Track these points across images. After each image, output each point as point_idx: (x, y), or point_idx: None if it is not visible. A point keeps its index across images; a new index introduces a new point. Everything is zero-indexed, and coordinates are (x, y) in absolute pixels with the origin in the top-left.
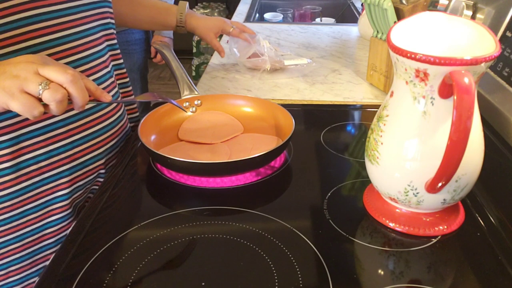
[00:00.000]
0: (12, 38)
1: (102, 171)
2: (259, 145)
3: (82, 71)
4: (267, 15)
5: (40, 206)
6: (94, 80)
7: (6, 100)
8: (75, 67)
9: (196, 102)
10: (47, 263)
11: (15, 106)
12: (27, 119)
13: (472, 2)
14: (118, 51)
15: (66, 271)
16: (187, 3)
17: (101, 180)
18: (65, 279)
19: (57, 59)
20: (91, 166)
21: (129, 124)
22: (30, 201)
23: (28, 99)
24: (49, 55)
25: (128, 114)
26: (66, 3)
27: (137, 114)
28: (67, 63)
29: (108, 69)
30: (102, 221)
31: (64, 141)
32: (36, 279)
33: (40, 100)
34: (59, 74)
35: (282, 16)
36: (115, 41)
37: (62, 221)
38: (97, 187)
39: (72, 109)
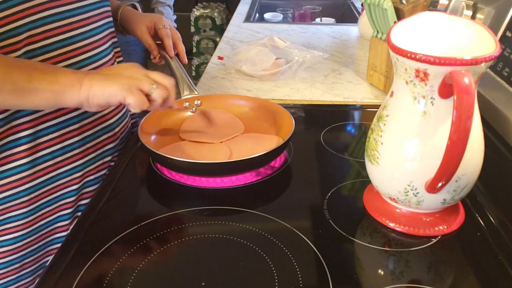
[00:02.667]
0: (29, 38)
1: (100, 172)
2: (259, 145)
3: (91, 70)
4: (267, 15)
5: (54, 200)
6: None
7: (126, 94)
8: (85, 66)
9: (196, 102)
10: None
11: (132, 100)
12: (44, 115)
13: (472, 2)
14: (119, 48)
15: (66, 271)
16: (135, 3)
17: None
18: (65, 279)
19: (68, 58)
20: (102, 160)
21: (131, 122)
22: (45, 195)
23: (142, 96)
24: (61, 54)
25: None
26: (76, 3)
27: (136, 113)
28: (77, 62)
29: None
30: (102, 221)
31: (78, 137)
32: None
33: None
34: (164, 79)
35: (282, 16)
36: (116, 39)
37: (75, 214)
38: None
39: (72, 112)
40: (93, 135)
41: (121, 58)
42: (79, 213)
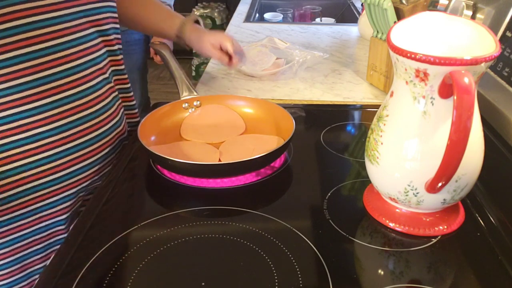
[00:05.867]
0: (3, 46)
1: (96, 177)
2: (260, 146)
3: (75, 79)
4: (267, 15)
5: (30, 212)
6: (88, 87)
7: None
8: (68, 75)
9: (195, 103)
10: (36, 267)
11: None
12: (16, 127)
13: (472, 2)
14: (119, 57)
15: (66, 271)
16: (197, 18)
17: (95, 185)
18: (65, 279)
19: (50, 68)
20: (82, 174)
21: (127, 129)
22: (20, 207)
23: None
24: (42, 63)
25: (127, 119)
26: (60, 10)
27: (138, 119)
28: (60, 72)
29: (106, 75)
30: (102, 221)
31: (55, 150)
32: (25, 283)
33: None
34: None
35: (282, 16)
36: (116, 47)
37: (52, 227)
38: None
39: (65, 118)
40: (72, 149)
41: (118, 67)
42: (61, 226)
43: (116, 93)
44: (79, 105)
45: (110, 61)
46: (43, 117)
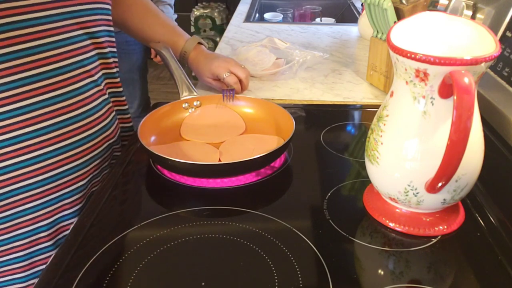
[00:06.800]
0: None
1: (81, 183)
2: (260, 146)
3: (60, 81)
4: (267, 15)
5: (9, 217)
6: (73, 89)
7: None
8: (52, 76)
9: (195, 103)
10: (16, 276)
11: None
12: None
13: (472, 2)
14: (111, 60)
15: (66, 271)
16: (198, 40)
17: (81, 194)
18: (65, 279)
19: (34, 68)
20: (65, 179)
21: (118, 134)
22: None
23: None
24: (25, 63)
25: (120, 123)
26: (45, 11)
27: (131, 123)
28: (44, 72)
29: (94, 78)
30: (102, 221)
31: (36, 152)
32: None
33: None
34: None
35: (282, 16)
36: (107, 50)
37: (31, 235)
38: (76, 204)
39: (47, 120)
40: (54, 152)
41: (110, 70)
42: (40, 234)
43: (107, 96)
44: (63, 107)
45: (101, 64)
46: (24, 118)
